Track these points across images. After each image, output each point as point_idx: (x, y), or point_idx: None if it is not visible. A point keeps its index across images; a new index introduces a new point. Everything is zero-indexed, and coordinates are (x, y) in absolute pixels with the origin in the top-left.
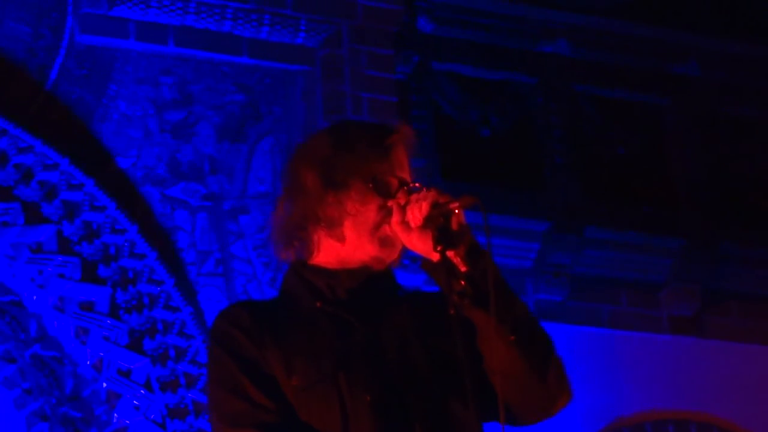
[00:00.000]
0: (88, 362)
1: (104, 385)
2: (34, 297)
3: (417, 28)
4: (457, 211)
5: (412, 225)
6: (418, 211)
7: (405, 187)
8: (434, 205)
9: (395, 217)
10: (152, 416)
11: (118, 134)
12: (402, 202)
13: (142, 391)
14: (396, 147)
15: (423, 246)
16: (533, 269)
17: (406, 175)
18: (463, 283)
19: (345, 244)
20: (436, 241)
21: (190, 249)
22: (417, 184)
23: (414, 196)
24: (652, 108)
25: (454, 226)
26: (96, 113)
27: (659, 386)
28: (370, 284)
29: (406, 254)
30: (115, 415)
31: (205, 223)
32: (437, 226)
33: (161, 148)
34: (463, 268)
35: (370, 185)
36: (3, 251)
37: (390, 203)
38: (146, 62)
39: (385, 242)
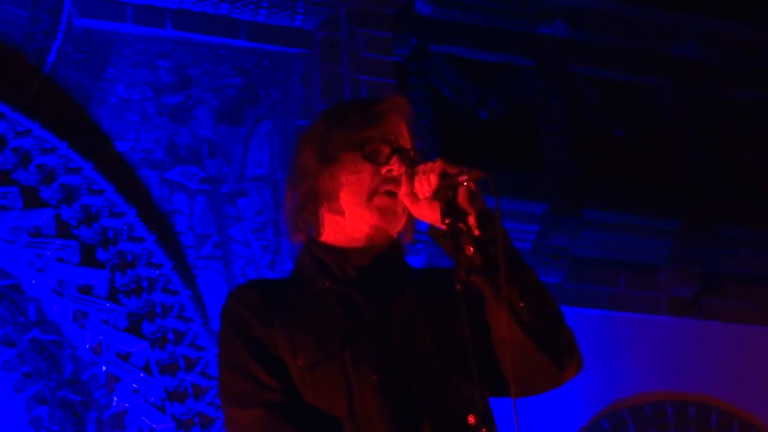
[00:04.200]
0: (87, 346)
1: (103, 368)
2: (33, 281)
3: (415, 11)
4: (465, 183)
5: (420, 196)
6: (426, 182)
7: (399, 154)
8: (443, 176)
9: (403, 188)
10: (151, 399)
11: (116, 118)
12: (396, 169)
13: (141, 375)
14: (387, 114)
15: (431, 216)
16: (532, 251)
17: (403, 143)
18: (471, 249)
19: (345, 217)
20: (444, 214)
21: (188, 232)
22: (414, 152)
23: (422, 167)
24: (650, 90)
25: (462, 198)
26: (94, 97)
27: (658, 368)
28: (379, 262)
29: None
30: (115, 398)
31: (204, 206)
32: (446, 198)
33: (159, 131)
34: (473, 233)
35: (360, 153)
36: (1, 235)
37: (384, 170)
38: (144, 46)
39: (384, 211)
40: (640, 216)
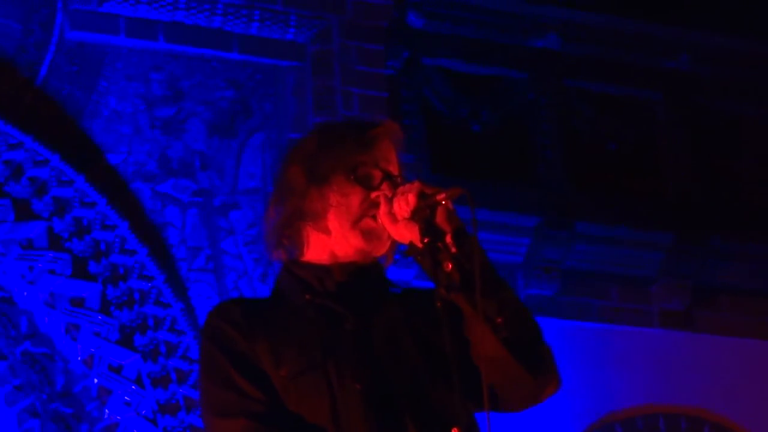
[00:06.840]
0: (79, 358)
1: (95, 381)
2: (25, 293)
3: (407, 23)
4: (443, 202)
5: (399, 217)
6: (404, 203)
7: (389, 180)
8: (421, 196)
9: (382, 209)
10: (143, 412)
11: (109, 130)
12: (388, 193)
13: (133, 387)
14: (379, 140)
15: (410, 236)
16: (524, 264)
17: (392, 169)
18: (450, 265)
19: (331, 237)
20: (423, 234)
21: (180, 245)
22: (402, 178)
23: (400, 188)
24: (643, 103)
25: (440, 217)
26: (86, 109)
27: (650, 381)
28: (360, 278)
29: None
30: (106, 411)
31: (196, 219)
32: (424, 217)
33: (152, 144)
34: (451, 251)
35: (352, 177)
36: None
37: (374, 195)
38: (136, 58)
39: (370, 235)
40: (632, 229)
